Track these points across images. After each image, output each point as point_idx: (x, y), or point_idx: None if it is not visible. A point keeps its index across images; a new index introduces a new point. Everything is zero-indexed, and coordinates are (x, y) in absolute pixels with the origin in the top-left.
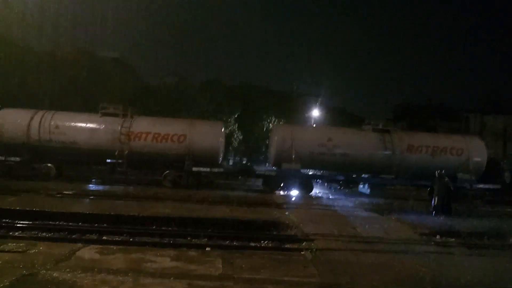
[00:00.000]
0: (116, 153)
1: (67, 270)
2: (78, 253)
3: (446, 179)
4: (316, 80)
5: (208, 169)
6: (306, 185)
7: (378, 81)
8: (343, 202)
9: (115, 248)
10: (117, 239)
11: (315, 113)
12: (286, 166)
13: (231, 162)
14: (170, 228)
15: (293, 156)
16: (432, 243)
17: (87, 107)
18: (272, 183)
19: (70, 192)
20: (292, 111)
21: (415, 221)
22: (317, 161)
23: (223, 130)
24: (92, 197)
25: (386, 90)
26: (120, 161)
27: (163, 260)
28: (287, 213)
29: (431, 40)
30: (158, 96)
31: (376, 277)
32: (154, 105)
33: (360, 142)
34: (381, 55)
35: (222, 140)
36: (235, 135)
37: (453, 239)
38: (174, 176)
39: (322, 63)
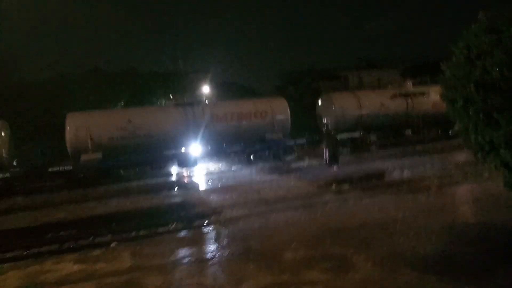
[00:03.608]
0: None
1: None
2: None
3: (333, 133)
4: (204, 56)
5: None
6: (110, 174)
7: (265, 52)
8: (243, 171)
9: (6, 266)
10: (8, 256)
11: (206, 89)
12: (84, 157)
13: None
14: (68, 232)
15: (90, 146)
16: (330, 192)
17: None
18: (72, 178)
19: None
20: (182, 91)
21: (311, 176)
22: (120, 147)
23: (3, 132)
24: None
25: (273, 59)
26: None
27: (65, 266)
28: (191, 192)
29: (309, 10)
30: (34, 95)
31: (283, 234)
32: (29, 105)
33: (163, 120)
34: (263, 27)
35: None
36: None
37: (347, 185)
38: None
39: (207, 38)
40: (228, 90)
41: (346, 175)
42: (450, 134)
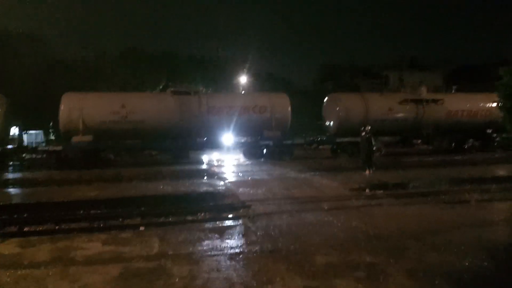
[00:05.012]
0: None
1: None
2: None
3: (368, 136)
4: (242, 45)
5: None
6: (99, 160)
7: (304, 44)
8: (276, 167)
9: (38, 239)
10: (40, 229)
11: (243, 79)
12: (76, 139)
13: None
14: (99, 211)
15: (81, 127)
16: (363, 197)
17: None
18: (61, 160)
19: None
20: (219, 78)
21: (344, 178)
22: (112, 131)
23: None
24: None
25: (312, 53)
26: None
27: (94, 245)
28: (221, 182)
29: (352, 4)
30: (77, 72)
31: (314, 236)
32: (73, 82)
33: (158, 107)
34: (305, 19)
35: None
36: None
37: (381, 191)
38: None
39: (247, 27)
40: (265, 82)
41: (379, 180)
42: (466, 147)
